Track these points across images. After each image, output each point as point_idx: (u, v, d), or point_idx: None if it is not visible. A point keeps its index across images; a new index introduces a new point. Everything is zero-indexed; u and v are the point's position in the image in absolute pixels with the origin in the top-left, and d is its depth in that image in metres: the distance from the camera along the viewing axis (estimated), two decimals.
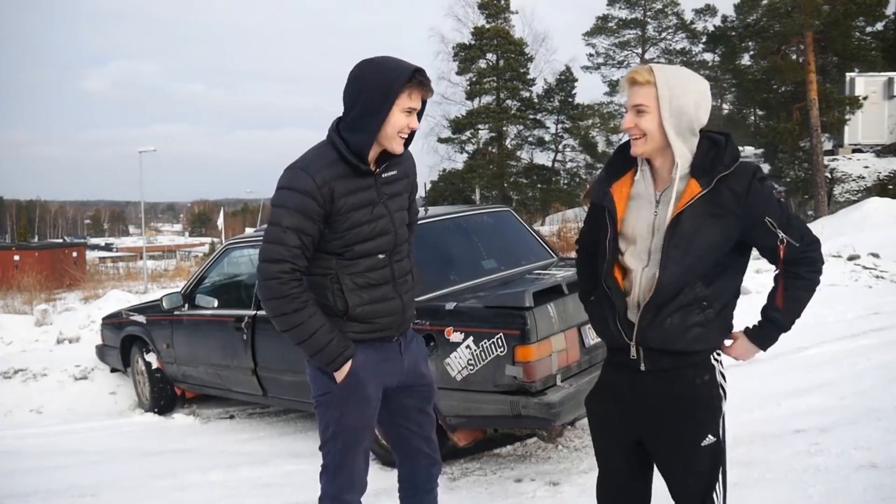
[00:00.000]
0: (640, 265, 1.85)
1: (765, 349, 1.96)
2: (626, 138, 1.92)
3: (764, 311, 1.92)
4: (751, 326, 1.96)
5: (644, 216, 1.86)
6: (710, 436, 1.88)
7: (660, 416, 1.89)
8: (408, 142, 2.20)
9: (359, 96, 2.07)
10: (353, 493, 2.30)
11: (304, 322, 2.11)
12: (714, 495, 1.91)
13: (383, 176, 2.20)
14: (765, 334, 1.93)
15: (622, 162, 1.93)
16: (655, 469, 2.03)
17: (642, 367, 1.88)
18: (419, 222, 2.65)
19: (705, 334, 1.84)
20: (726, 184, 1.78)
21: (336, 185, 2.09)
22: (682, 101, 1.78)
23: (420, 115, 2.17)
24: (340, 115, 2.16)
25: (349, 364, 2.19)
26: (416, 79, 2.05)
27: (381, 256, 2.19)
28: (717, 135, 1.84)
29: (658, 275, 1.81)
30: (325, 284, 2.17)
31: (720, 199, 1.78)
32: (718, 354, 1.93)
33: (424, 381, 2.42)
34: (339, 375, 2.20)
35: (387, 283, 2.22)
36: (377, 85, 2.04)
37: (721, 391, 1.91)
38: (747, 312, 2.16)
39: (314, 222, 2.09)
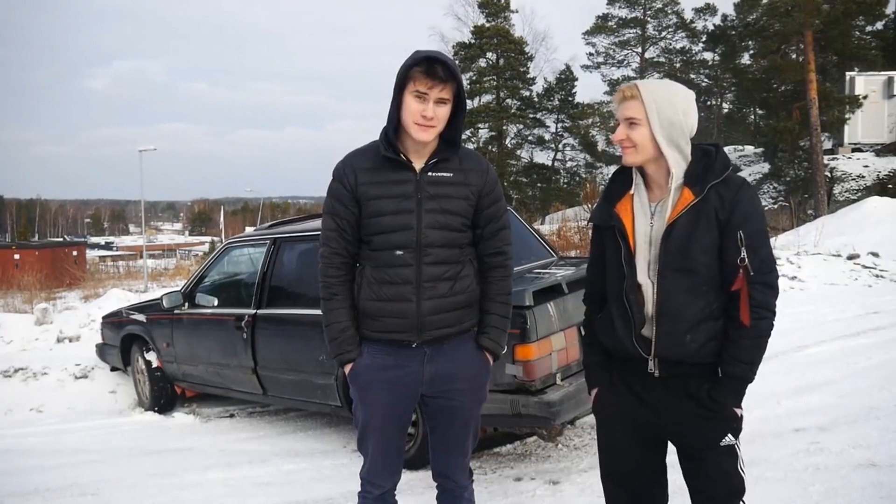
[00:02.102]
0: (646, 278, 1.87)
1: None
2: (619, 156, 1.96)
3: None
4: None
5: (642, 229, 1.90)
6: (729, 435, 1.89)
7: (680, 417, 1.89)
8: (453, 137, 2.15)
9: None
10: (371, 486, 2.33)
11: (326, 312, 2.22)
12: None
13: (430, 174, 2.15)
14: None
15: (620, 185, 1.97)
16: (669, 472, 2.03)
17: (656, 374, 1.89)
18: None
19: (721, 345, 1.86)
20: (717, 190, 1.82)
21: (362, 171, 2.15)
22: (669, 112, 1.83)
23: (459, 109, 2.13)
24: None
25: (350, 365, 2.24)
26: (424, 63, 2.01)
27: (398, 253, 2.13)
28: (707, 146, 1.89)
29: (656, 285, 1.84)
30: (357, 273, 2.23)
31: (710, 205, 1.81)
32: None
33: (456, 397, 2.25)
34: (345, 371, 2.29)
35: (407, 283, 2.14)
36: (397, 75, 2.07)
37: None
38: None
39: (344, 205, 2.16)
